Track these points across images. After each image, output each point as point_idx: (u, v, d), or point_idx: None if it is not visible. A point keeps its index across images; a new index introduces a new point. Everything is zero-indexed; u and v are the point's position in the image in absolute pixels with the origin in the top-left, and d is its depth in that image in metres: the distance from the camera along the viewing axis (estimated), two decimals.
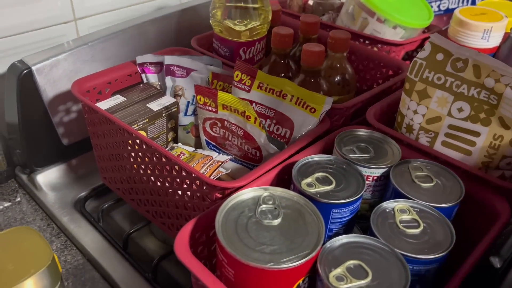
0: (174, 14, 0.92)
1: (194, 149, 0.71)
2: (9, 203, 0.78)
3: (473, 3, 1.04)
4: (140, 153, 0.64)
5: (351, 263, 0.42)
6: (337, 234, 0.51)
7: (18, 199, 0.79)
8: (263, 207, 0.46)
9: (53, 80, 0.76)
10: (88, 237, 0.72)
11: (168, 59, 0.75)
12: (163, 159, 0.60)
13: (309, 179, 0.51)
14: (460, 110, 0.55)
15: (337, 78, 0.76)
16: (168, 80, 0.76)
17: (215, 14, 0.80)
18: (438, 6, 1.05)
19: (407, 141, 0.61)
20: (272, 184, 0.55)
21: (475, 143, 0.56)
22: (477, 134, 0.56)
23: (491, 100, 0.53)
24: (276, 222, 0.45)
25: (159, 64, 0.77)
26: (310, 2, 1.07)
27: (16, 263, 0.47)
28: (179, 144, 0.76)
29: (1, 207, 0.77)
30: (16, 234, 0.50)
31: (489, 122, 0.54)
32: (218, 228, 0.43)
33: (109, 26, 0.86)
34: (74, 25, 0.85)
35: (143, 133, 0.69)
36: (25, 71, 0.73)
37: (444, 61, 0.57)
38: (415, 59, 0.61)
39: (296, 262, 0.41)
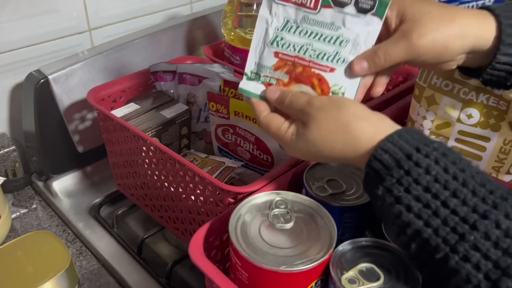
0: (186, 23, 0.94)
1: (206, 155, 0.72)
2: (26, 210, 0.80)
3: None
4: (154, 159, 0.65)
5: (363, 266, 0.42)
6: (349, 237, 0.52)
7: (34, 205, 0.81)
8: (276, 211, 0.47)
9: (69, 89, 0.78)
10: (103, 242, 0.73)
11: (181, 67, 0.77)
12: (177, 165, 0.61)
13: (320, 183, 0.52)
14: (469, 116, 0.56)
15: None
16: (181, 88, 0.77)
17: (226, 23, 0.81)
18: None
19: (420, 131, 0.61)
20: (284, 189, 0.56)
21: (485, 148, 0.56)
22: (487, 139, 0.56)
23: (500, 106, 0.54)
24: (289, 226, 0.45)
25: (172, 73, 0.78)
26: None
27: (35, 266, 0.48)
28: (192, 150, 0.77)
29: (18, 213, 0.79)
30: (35, 238, 0.51)
31: (499, 128, 0.55)
32: (232, 232, 0.44)
33: (123, 35, 0.88)
34: (89, 35, 0.87)
35: (156, 139, 0.71)
36: (42, 80, 0.75)
37: None
38: None
39: (309, 265, 0.41)
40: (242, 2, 0.78)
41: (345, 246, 0.45)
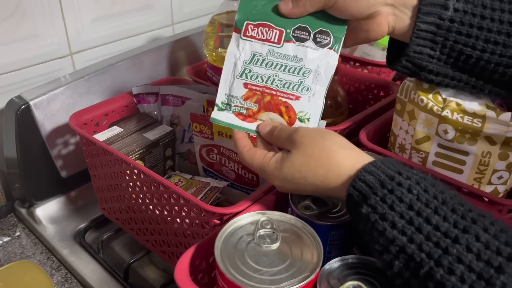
0: (168, 44, 0.94)
1: (191, 176, 0.72)
2: (9, 238, 0.78)
3: None
4: (138, 183, 0.65)
5: (350, 284, 0.42)
6: (336, 255, 0.51)
7: (18, 233, 0.79)
8: (262, 231, 0.47)
9: (50, 114, 0.78)
10: (88, 269, 0.71)
11: (164, 89, 0.77)
12: (161, 188, 0.60)
13: (306, 202, 0.52)
14: (445, 132, 0.57)
15: (329, 101, 0.77)
16: (164, 110, 0.77)
17: (208, 44, 0.82)
18: None
19: (401, 160, 0.62)
20: (269, 208, 0.56)
21: (465, 161, 0.57)
22: (465, 153, 0.57)
23: (475, 123, 0.55)
24: (275, 246, 0.45)
25: (155, 94, 0.78)
26: None
27: None
28: (177, 171, 0.76)
29: (1, 242, 0.77)
30: (17, 269, 0.50)
31: (476, 142, 0.56)
32: (218, 255, 0.44)
33: (105, 58, 0.88)
34: (71, 59, 0.87)
35: (140, 162, 0.70)
36: (23, 106, 0.74)
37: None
38: (404, 80, 0.62)
39: (296, 285, 0.41)
40: (223, 23, 0.79)
41: (332, 264, 0.45)
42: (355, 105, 0.86)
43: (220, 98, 0.52)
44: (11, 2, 0.75)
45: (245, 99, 0.51)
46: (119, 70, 0.86)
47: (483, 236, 0.34)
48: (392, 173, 0.39)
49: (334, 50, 0.49)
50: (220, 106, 0.52)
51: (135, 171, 0.63)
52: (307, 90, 0.50)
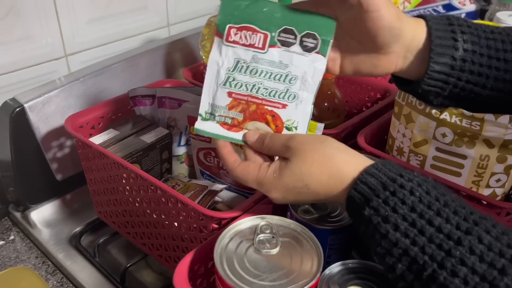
0: (164, 46, 0.94)
1: (188, 179, 0.72)
2: (3, 242, 0.77)
3: None
4: (135, 186, 0.64)
5: None
6: (336, 259, 0.51)
7: (12, 237, 0.78)
8: (261, 236, 0.46)
9: (45, 117, 0.77)
10: (84, 273, 0.71)
11: (160, 91, 0.76)
12: (158, 191, 0.60)
13: (305, 206, 0.52)
14: (443, 135, 0.57)
15: (327, 103, 0.77)
16: (161, 112, 0.77)
17: (205, 46, 0.81)
18: None
19: (399, 163, 0.62)
20: (268, 212, 0.55)
21: (463, 165, 0.57)
22: (463, 157, 0.57)
23: (474, 126, 0.55)
24: (275, 251, 0.45)
25: (151, 97, 0.78)
26: None
27: None
28: (174, 175, 0.76)
29: None
30: (13, 275, 0.50)
31: (474, 145, 0.56)
32: (217, 260, 0.44)
33: (100, 60, 0.87)
34: (66, 61, 0.86)
35: (137, 165, 0.70)
36: (17, 109, 0.73)
37: None
38: None
39: None
40: None
41: (332, 269, 0.45)
42: (353, 107, 0.86)
43: (203, 108, 0.50)
44: (5, 3, 0.74)
45: (230, 109, 0.49)
46: (115, 72, 0.85)
47: (486, 238, 0.34)
48: (393, 175, 0.39)
49: (321, 54, 0.47)
50: (204, 116, 0.50)
51: (132, 174, 0.63)
52: (293, 97, 0.48)
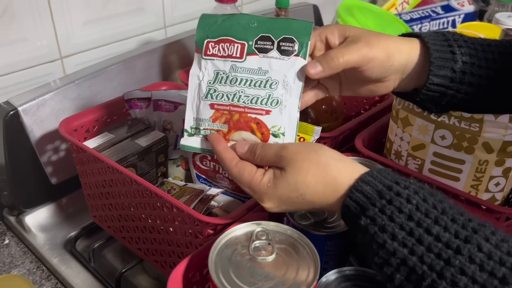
0: (160, 48, 0.93)
1: (184, 183, 0.71)
2: None
3: (454, 26, 1.06)
4: (130, 191, 0.63)
5: None
6: (333, 265, 0.51)
7: (7, 241, 0.78)
8: (257, 243, 0.46)
9: (40, 120, 0.76)
10: (79, 278, 0.70)
11: (156, 94, 0.75)
12: (154, 197, 0.59)
13: (302, 211, 0.51)
14: (442, 137, 0.56)
15: (324, 106, 0.76)
16: (157, 115, 0.76)
17: None
18: (420, 30, 1.07)
19: (397, 167, 0.61)
20: (264, 217, 0.55)
21: (461, 170, 0.57)
22: (462, 162, 0.56)
23: (473, 127, 0.54)
24: (271, 258, 0.44)
25: (147, 100, 0.77)
26: None
27: None
28: (169, 178, 0.75)
29: None
30: (4, 283, 0.49)
31: (473, 150, 0.55)
32: (212, 267, 0.43)
33: (96, 62, 0.86)
34: (61, 63, 0.85)
35: (132, 169, 0.69)
36: (11, 112, 0.73)
37: None
38: None
39: None
40: None
41: (329, 276, 0.44)
42: (351, 109, 0.86)
43: (188, 123, 0.49)
44: (0, 5, 0.73)
45: (214, 121, 0.48)
46: (110, 74, 0.85)
47: (485, 246, 0.34)
48: (389, 182, 0.38)
49: (301, 56, 0.47)
50: (190, 132, 0.49)
51: (127, 179, 0.62)
52: (277, 103, 0.47)
